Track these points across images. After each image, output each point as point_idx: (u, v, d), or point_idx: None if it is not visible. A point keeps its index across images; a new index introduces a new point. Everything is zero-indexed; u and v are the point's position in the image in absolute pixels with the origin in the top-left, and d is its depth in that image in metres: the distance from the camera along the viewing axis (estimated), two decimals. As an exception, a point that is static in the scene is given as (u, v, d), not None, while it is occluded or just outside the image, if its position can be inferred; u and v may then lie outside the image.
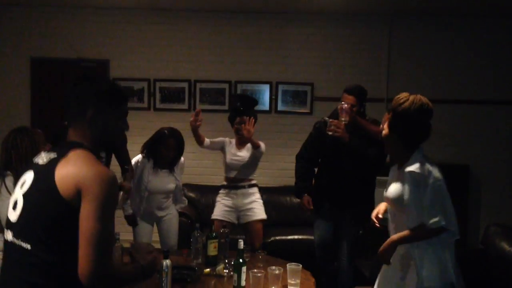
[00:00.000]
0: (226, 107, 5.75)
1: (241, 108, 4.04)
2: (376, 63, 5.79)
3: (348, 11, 5.64)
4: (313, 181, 3.92)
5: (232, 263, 2.77)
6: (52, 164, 1.59)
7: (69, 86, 1.73)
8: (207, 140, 4.13)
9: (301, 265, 2.87)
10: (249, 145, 4.09)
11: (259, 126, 4.24)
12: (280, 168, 5.63)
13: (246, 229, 4.14)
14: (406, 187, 2.25)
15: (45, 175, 1.59)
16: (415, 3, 5.31)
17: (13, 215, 1.62)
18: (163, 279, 2.50)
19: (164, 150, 3.81)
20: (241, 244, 2.71)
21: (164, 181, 3.90)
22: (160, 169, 3.88)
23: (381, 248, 2.31)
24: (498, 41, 5.76)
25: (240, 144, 4.16)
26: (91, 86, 1.71)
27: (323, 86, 5.75)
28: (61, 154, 1.61)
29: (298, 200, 3.93)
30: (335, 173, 3.66)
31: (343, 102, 3.51)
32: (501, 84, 5.78)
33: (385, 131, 2.37)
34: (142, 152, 3.90)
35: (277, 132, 5.66)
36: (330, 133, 3.48)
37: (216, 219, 4.06)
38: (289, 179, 5.46)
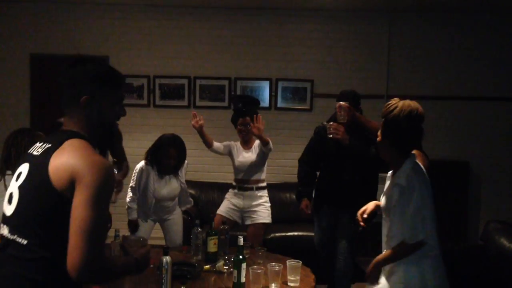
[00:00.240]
0: (226, 103, 5.75)
1: (243, 109, 4.06)
2: (376, 59, 5.78)
3: (348, 8, 5.63)
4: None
5: (232, 259, 2.77)
6: (46, 155, 1.52)
7: (62, 70, 1.64)
8: (216, 144, 4.18)
9: (300, 262, 2.88)
10: (255, 144, 4.13)
11: (259, 123, 4.25)
12: (279, 165, 5.64)
13: (247, 230, 4.16)
14: (394, 197, 2.31)
15: (39, 166, 1.51)
16: (414, -1, 5.31)
17: (8, 210, 1.56)
18: (163, 275, 2.50)
19: (165, 159, 3.82)
20: (241, 240, 2.71)
21: (170, 187, 3.91)
22: (165, 175, 3.89)
23: (368, 269, 2.39)
24: (497, 37, 5.75)
25: (246, 145, 4.20)
26: (85, 69, 1.61)
27: (323, 82, 5.75)
28: (56, 144, 1.54)
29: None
30: (336, 175, 3.68)
31: (341, 102, 3.50)
32: (501, 80, 5.78)
33: (378, 137, 2.41)
34: (145, 159, 3.90)
35: (277, 129, 5.66)
36: (330, 136, 3.49)
37: (219, 214, 4.12)
38: (288, 175, 5.48)
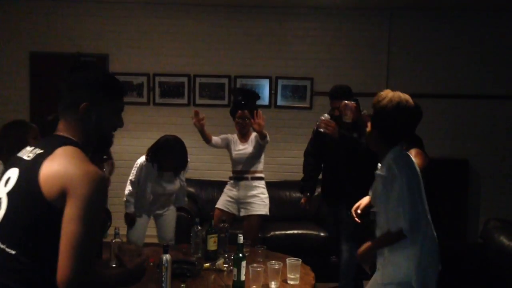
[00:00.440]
0: (225, 101, 5.74)
1: (242, 102, 4.07)
2: (376, 57, 5.78)
3: (348, 6, 5.62)
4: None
5: (232, 257, 2.78)
6: (37, 161, 1.46)
7: (64, 74, 1.59)
8: (214, 138, 4.20)
9: (300, 260, 2.88)
10: (252, 137, 4.16)
11: (259, 121, 4.25)
12: (279, 163, 5.63)
13: (243, 223, 4.17)
14: (378, 189, 2.32)
15: (29, 173, 1.45)
16: (415, -3, 5.31)
17: None
18: (163, 273, 2.50)
19: (164, 162, 3.83)
20: (241, 238, 2.72)
21: (169, 184, 3.93)
22: (165, 172, 3.89)
23: (360, 249, 2.40)
24: (498, 35, 5.74)
25: (243, 138, 4.23)
26: (87, 75, 1.58)
27: (323, 80, 5.74)
28: (48, 150, 1.48)
29: (299, 194, 4.08)
30: (334, 171, 3.70)
31: (346, 101, 3.44)
32: (501, 78, 5.77)
33: (368, 128, 2.40)
34: (147, 155, 3.90)
35: (277, 127, 5.66)
36: (321, 130, 3.47)
37: (217, 208, 4.17)
38: (288, 173, 5.48)
